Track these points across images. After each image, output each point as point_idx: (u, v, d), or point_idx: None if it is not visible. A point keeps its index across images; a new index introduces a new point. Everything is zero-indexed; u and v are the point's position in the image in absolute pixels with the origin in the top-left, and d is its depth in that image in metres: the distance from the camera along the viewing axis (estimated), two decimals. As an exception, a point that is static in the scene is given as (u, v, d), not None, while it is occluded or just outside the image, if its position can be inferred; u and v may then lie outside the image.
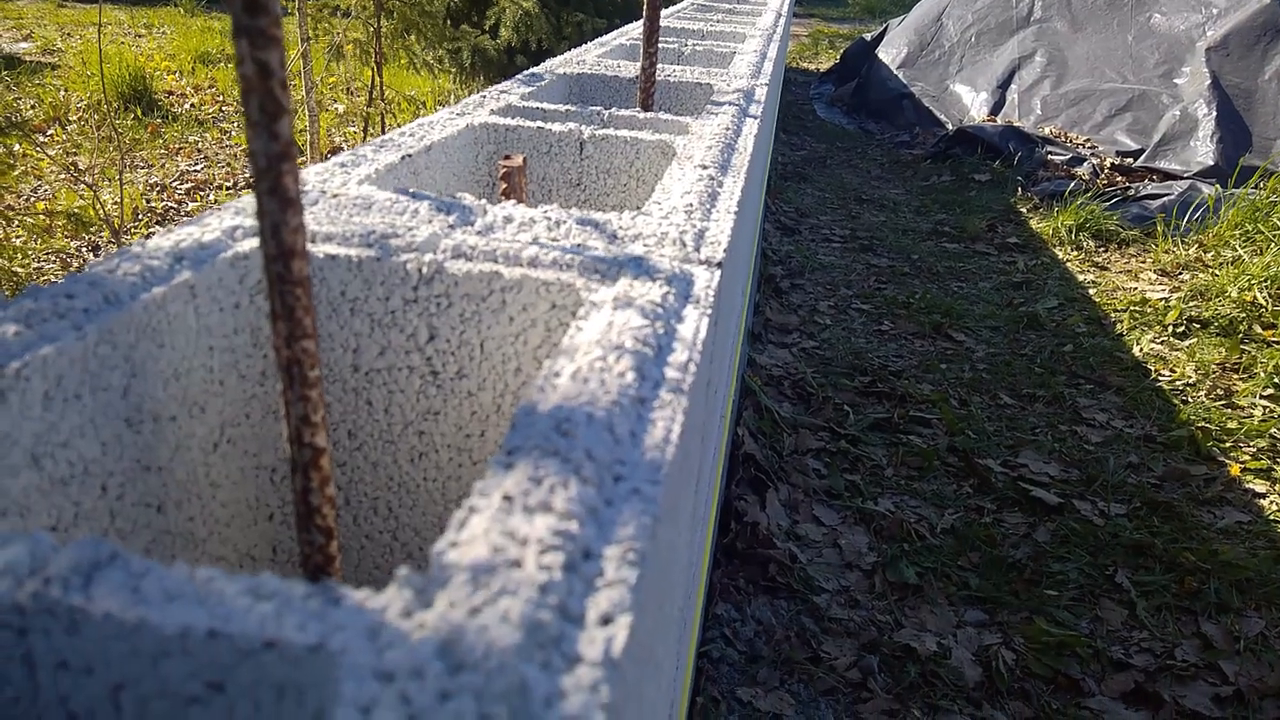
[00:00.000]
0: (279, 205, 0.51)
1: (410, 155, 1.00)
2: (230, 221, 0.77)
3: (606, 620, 0.38)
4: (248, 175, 5.09)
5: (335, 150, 5.44)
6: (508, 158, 0.94)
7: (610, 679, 0.35)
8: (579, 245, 0.76)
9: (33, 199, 4.49)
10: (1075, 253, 4.40)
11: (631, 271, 0.72)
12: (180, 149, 5.51)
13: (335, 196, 0.86)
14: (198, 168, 5.20)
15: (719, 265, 0.77)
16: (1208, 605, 2.16)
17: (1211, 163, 4.94)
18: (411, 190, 0.87)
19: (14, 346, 0.55)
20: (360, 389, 0.79)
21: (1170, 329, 3.49)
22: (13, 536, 0.39)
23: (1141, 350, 3.33)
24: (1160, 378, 3.15)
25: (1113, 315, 3.64)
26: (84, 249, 3.95)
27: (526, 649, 0.35)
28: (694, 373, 0.61)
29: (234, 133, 5.96)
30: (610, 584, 0.40)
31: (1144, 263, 4.28)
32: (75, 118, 5.92)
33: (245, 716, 0.37)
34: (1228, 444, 2.78)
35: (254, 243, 0.74)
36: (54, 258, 3.82)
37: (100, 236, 4.05)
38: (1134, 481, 2.57)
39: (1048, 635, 2.06)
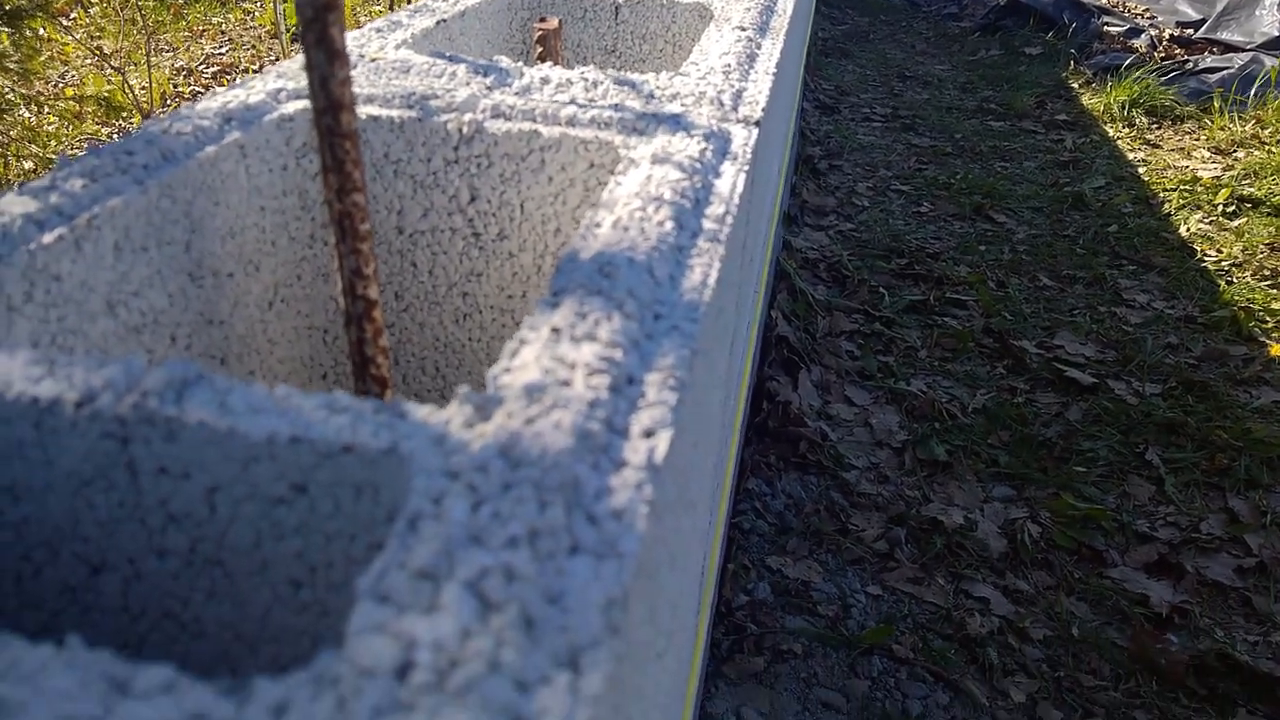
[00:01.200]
0: (326, 57, 0.53)
1: (445, 20, 1.01)
2: (274, 84, 0.79)
3: (649, 434, 0.42)
4: (273, 57, 5.03)
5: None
6: (542, 20, 0.94)
7: (653, 480, 0.39)
8: (616, 105, 0.78)
9: (61, 85, 4.50)
10: (1127, 130, 4.27)
11: (669, 128, 0.73)
12: (204, 30, 5.45)
13: (374, 60, 0.87)
14: (222, 50, 5.15)
15: (757, 124, 0.78)
16: (1236, 482, 2.19)
17: (1276, 34, 4.72)
18: (448, 54, 0.88)
19: (84, 198, 0.58)
20: (405, 251, 0.83)
21: (1220, 208, 3.42)
22: (108, 358, 0.43)
23: (1188, 230, 3.27)
24: (1206, 258, 3.11)
25: (1161, 195, 3.56)
26: (114, 135, 3.98)
27: (577, 452, 0.39)
28: (731, 224, 0.63)
29: (257, 13, 5.87)
30: (652, 405, 0.44)
31: (1198, 140, 4.15)
32: (97, 0, 5.85)
33: (326, 515, 0.41)
34: (1270, 325, 2.76)
35: (299, 105, 0.77)
36: (85, 144, 3.86)
37: (130, 122, 4.07)
38: (1171, 362, 2.57)
39: (1073, 509, 2.11)
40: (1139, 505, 2.18)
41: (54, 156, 3.63)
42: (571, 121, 0.75)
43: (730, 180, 0.68)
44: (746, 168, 0.71)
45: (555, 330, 0.47)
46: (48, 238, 0.54)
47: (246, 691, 0.29)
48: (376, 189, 0.80)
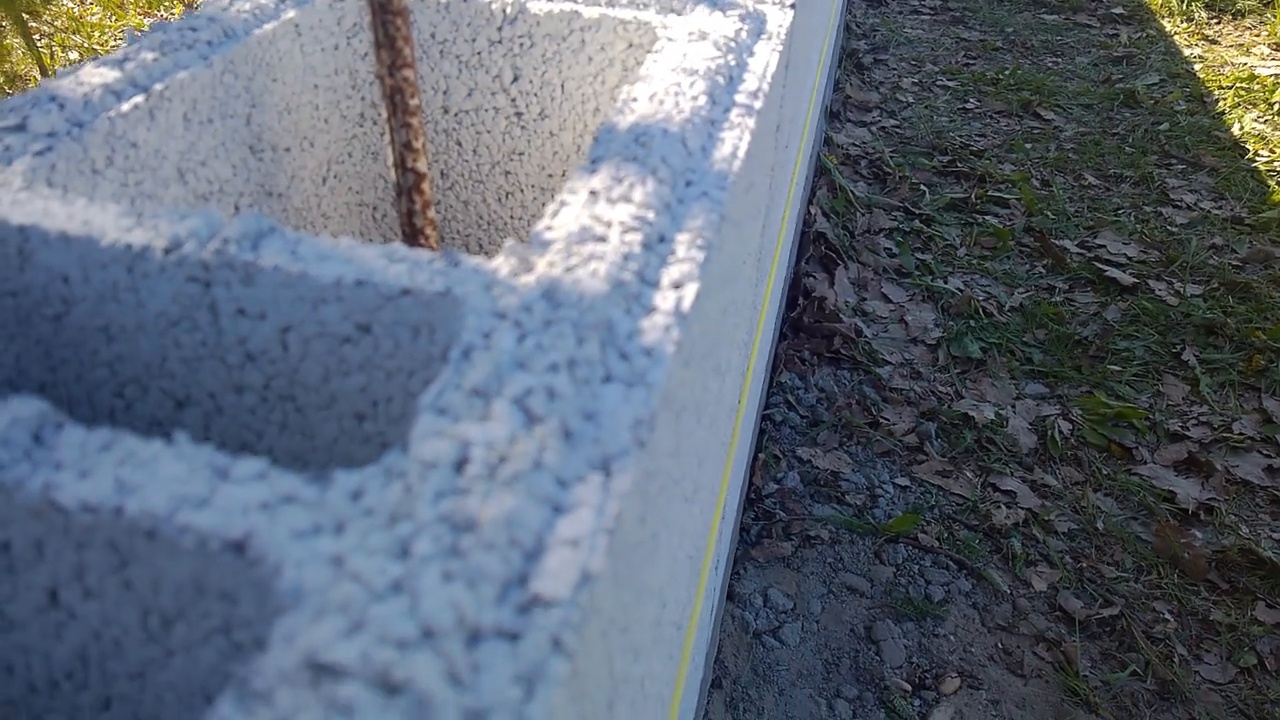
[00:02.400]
0: (379, -70, 0.55)
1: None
2: (322, -35, 0.82)
3: (677, 285, 0.46)
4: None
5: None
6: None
7: (679, 325, 0.43)
8: (654, -16, 0.79)
9: (102, -25, 4.48)
10: (1185, 24, 4.09)
11: (706, 8, 0.75)
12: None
13: (417, -59, 0.89)
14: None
15: (792, 6, 0.79)
16: (1273, 383, 2.19)
17: (1360, -82, 4.43)
18: (490, -66, 0.90)
19: (155, 71, 0.62)
20: (450, 130, 0.86)
21: (1276, 107, 3.30)
22: (189, 211, 0.48)
23: (1242, 130, 3.17)
24: (1258, 158, 3.02)
25: (1216, 93, 3.44)
26: (158, 27, 3.98)
27: (612, 298, 0.43)
28: (763, 102, 0.65)
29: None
30: (680, 261, 0.48)
31: (1258, 36, 3.97)
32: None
33: (387, 352, 0.46)
34: (1323, 227, 2.70)
35: (347, -16, 0.79)
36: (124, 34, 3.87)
37: (171, 14, 4.07)
38: (1214, 263, 2.54)
39: (1106, 407, 2.13)
40: (1172, 405, 2.19)
41: (98, 48, 3.66)
42: (611, 2, 0.77)
43: (764, 59, 0.70)
44: (780, 48, 0.73)
45: (593, 192, 0.51)
46: (125, 107, 0.58)
47: (328, 480, 0.34)
48: (423, 69, 0.83)
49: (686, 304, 0.45)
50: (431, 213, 0.71)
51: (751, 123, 0.61)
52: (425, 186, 0.70)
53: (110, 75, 0.60)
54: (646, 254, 0.47)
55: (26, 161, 0.52)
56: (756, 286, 0.97)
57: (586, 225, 0.48)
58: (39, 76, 3.00)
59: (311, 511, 0.32)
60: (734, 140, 0.59)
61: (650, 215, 0.49)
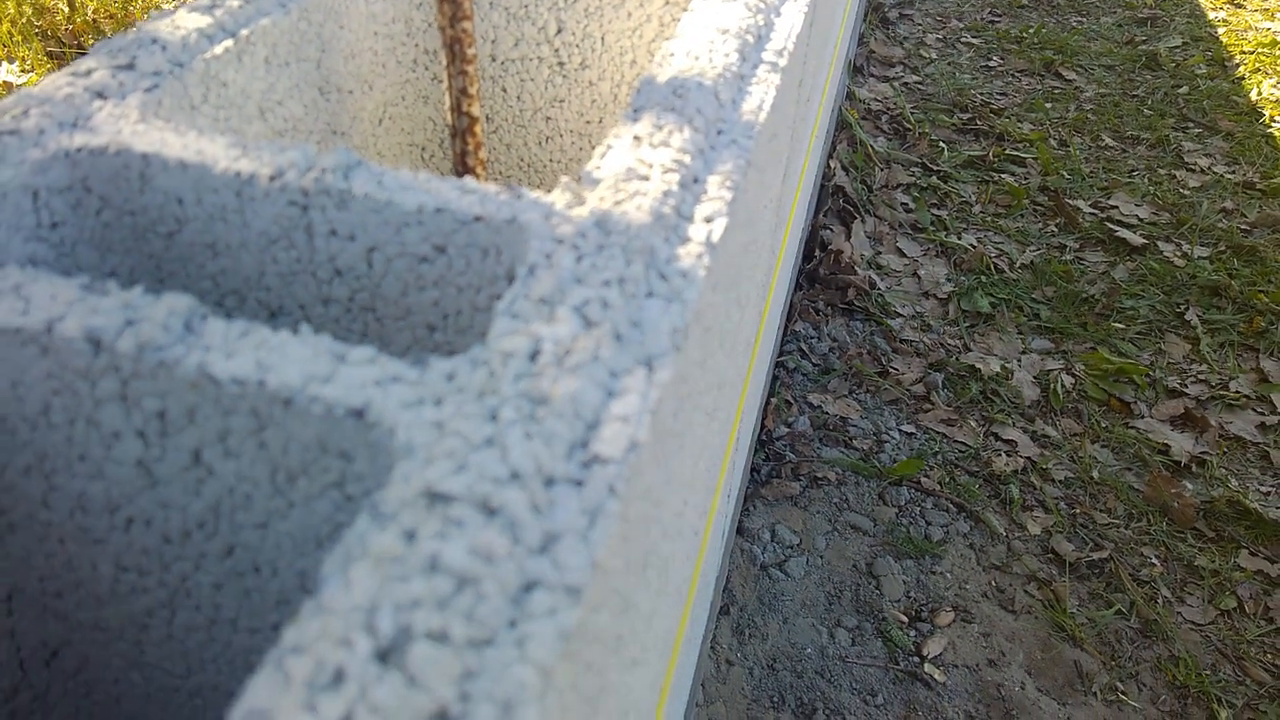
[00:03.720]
0: (449, -105, 0.62)
1: None
2: (382, -81, 0.88)
3: (709, 220, 0.53)
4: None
5: None
6: None
7: (710, 253, 0.51)
8: (690, -55, 0.85)
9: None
10: (1216, -14, 4.06)
11: (737, -31, 0.81)
12: None
13: (468, -103, 0.95)
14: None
15: (817, -33, 0.85)
16: (1271, 344, 2.25)
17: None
18: (535, -108, 0.95)
19: (240, 16, 0.69)
20: (497, 78, 0.92)
21: (1303, 72, 3.30)
22: (289, 144, 0.55)
23: (1260, 95, 3.18)
24: (1274, 124, 3.03)
25: (1238, 57, 3.44)
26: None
27: (654, 228, 0.51)
28: (788, 59, 0.72)
29: None
30: (712, 199, 0.55)
31: (1292, -2, 3.94)
32: None
33: (459, 271, 0.54)
34: (1335, 194, 2.73)
35: (405, -61, 0.85)
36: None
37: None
38: (1224, 226, 2.58)
39: (1108, 363, 2.20)
40: (1173, 362, 2.26)
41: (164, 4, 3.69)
42: (649, -40, 0.83)
43: (790, 20, 0.76)
44: (806, 9, 0.79)
45: (636, 138, 0.58)
46: (217, 49, 0.65)
47: (426, 364, 0.42)
48: (474, 19, 0.89)
49: (716, 236, 0.52)
50: (483, 153, 0.78)
51: (777, 79, 0.68)
52: (478, 129, 0.77)
53: (203, 20, 0.67)
54: (683, 192, 0.54)
55: (139, 97, 0.60)
56: (775, 231, 1.04)
57: (631, 166, 0.55)
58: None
59: (415, 388, 0.40)
60: (761, 94, 0.66)
61: (686, 159, 0.57)
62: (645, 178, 0.54)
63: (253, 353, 0.42)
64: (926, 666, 1.63)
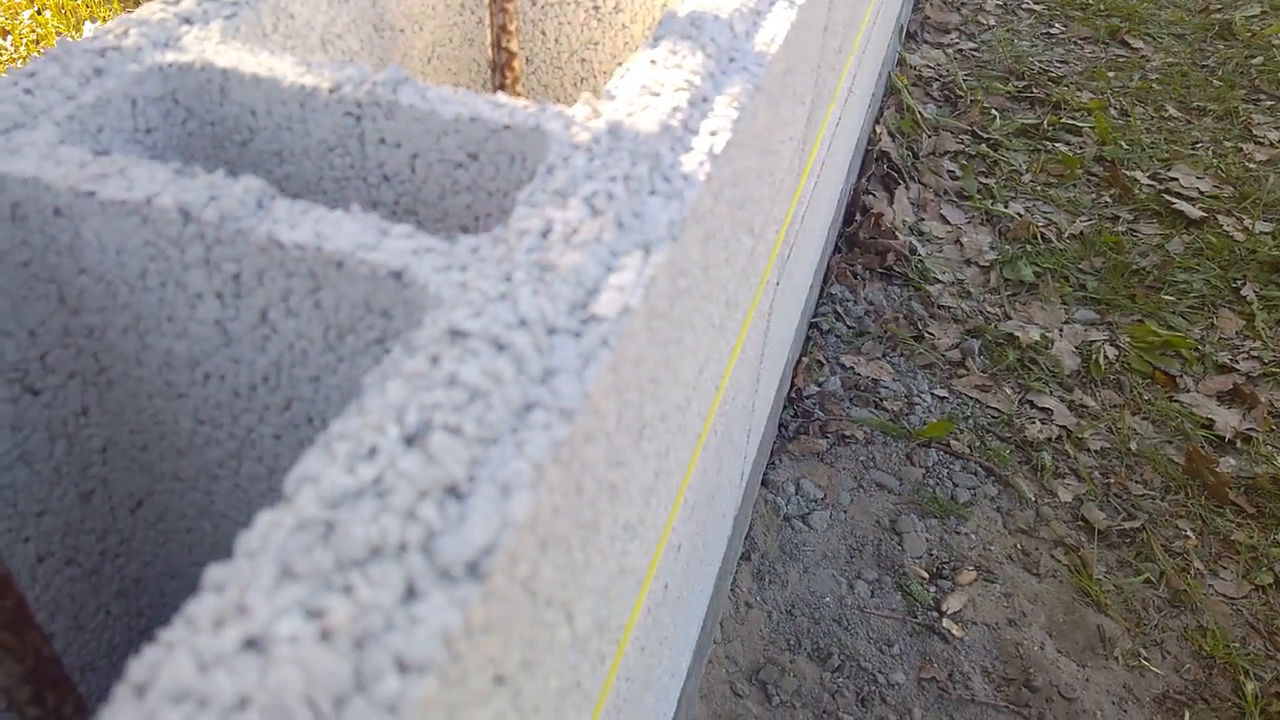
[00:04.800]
0: None
1: None
2: None
3: (713, 133, 0.62)
4: None
5: None
6: None
7: (711, 162, 0.59)
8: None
9: None
10: (1301, -47, 3.98)
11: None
12: None
13: None
14: None
15: (841, -83, 0.92)
16: (1326, 321, 2.26)
17: None
18: None
19: (304, -46, 0.79)
20: (536, 20, 1.01)
21: (1386, 45, 3.25)
22: (344, 64, 0.65)
23: (1342, 67, 3.14)
24: (1354, 98, 3.00)
25: (1322, 27, 3.39)
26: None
27: (661, 137, 0.59)
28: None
29: None
30: (717, 116, 0.63)
31: (1382, -32, 3.86)
32: None
33: (489, 176, 0.63)
34: None
35: (455, -115, 0.94)
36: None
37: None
38: (1287, 201, 2.58)
39: (1155, 336, 2.23)
40: (1224, 338, 2.28)
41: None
42: (681, -92, 0.91)
43: (809, -37, 0.84)
44: (826, -46, 0.87)
45: (653, 61, 0.67)
46: (284, -18, 0.75)
47: (455, 239, 0.51)
48: (515, -37, 0.98)
49: (718, 148, 0.60)
50: (520, 87, 0.87)
51: (793, 15, 0.76)
52: (516, 64, 0.86)
53: (272, -44, 0.77)
54: (691, 109, 0.63)
55: (220, 23, 0.70)
56: (795, 173, 1.12)
57: (646, 84, 0.64)
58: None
59: (445, 257, 0.50)
60: (774, 29, 0.74)
61: (697, 80, 0.65)
62: (657, 94, 0.63)
63: (312, 225, 0.51)
64: (945, 621, 1.70)
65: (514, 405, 0.42)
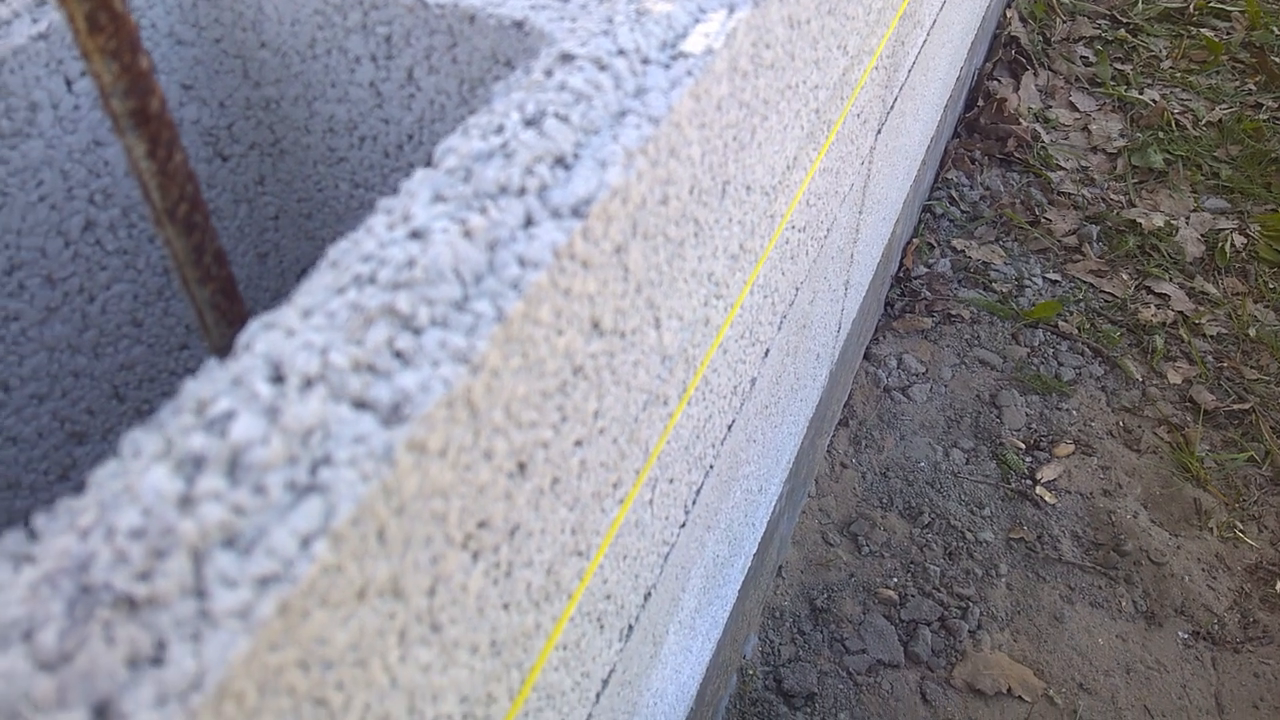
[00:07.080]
0: None
1: None
2: None
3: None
4: None
5: None
6: None
7: (726, 34, 0.68)
8: None
9: None
10: None
11: None
12: None
13: None
14: None
15: None
16: None
17: None
18: None
19: None
20: None
21: None
22: None
23: None
24: None
25: None
26: None
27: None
28: None
29: None
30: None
31: None
32: None
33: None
34: None
35: None
36: None
37: None
38: None
39: (1288, 225, 2.18)
40: (1366, 231, 2.20)
41: None
42: None
43: None
44: None
45: None
46: None
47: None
48: None
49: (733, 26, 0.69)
50: None
51: None
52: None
53: None
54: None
55: None
56: (895, 10, 1.17)
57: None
58: None
59: (558, 10, 0.61)
60: None
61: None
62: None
63: (451, -11, 0.63)
64: (1038, 489, 1.76)
65: (612, 110, 0.53)
